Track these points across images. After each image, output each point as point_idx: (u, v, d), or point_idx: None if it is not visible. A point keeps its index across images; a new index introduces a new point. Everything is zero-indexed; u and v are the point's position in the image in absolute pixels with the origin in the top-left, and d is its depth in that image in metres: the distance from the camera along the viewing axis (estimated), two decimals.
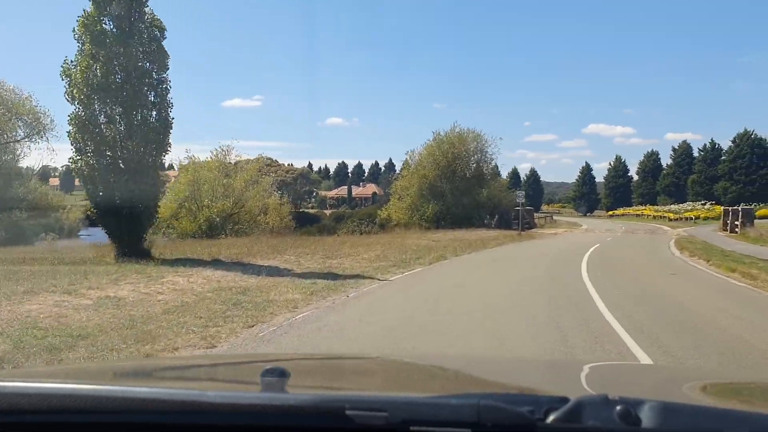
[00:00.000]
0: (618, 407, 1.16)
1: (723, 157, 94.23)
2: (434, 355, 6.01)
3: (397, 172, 56.09)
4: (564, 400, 1.19)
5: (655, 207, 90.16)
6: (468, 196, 49.95)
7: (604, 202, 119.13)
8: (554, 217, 74.34)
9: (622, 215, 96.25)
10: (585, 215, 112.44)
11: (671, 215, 77.60)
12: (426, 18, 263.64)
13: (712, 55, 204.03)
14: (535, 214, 66.86)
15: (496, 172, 52.25)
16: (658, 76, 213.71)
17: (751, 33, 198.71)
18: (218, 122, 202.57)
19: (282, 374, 1.48)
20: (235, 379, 2.10)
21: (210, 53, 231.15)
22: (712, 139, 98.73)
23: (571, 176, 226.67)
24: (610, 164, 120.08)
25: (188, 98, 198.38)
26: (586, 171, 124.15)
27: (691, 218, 70.91)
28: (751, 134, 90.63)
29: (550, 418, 1.16)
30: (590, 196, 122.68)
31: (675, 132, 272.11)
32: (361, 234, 42.36)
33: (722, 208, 54.31)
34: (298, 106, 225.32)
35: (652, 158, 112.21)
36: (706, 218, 71.28)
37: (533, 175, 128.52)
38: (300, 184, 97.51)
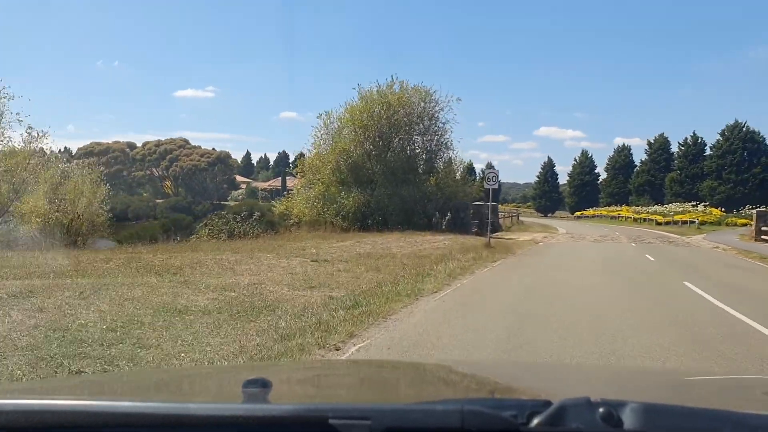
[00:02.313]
0: (600, 409, 1.14)
1: (709, 153, 78.84)
2: (419, 360, 5.53)
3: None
4: (547, 404, 1.16)
5: (635, 208, 74.29)
6: (409, 185, 32.76)
7: (568, 201, 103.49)
8: (520, 218, 57.69)
9: (593, 216, 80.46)
10: (546, 216, 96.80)
11: (659, 218, 61.76)
12: (386, 15, 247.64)
13: (661, 62, 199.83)
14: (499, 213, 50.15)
15: (449, 149, 34.79)
16: (608, 82, 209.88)
17: (702, 42, 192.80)
18: (169, 112, 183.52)
19: (264, 385, 1.42)
20: (217, 390, 1.98)
21: (161, 40, 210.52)
22: (694, 133, 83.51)
23: (522, 177, 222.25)
24: (576, 160, 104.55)
25: (135, 85, 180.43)
26: (548, 167, 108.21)
27: (688, 222, 54.93)
28: (743, 126, 75.62)
29: (534, 422, 1.14)
30: (552, 194, 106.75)
31: (623, 137, 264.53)
32: (230, 238, 24.93)
33: (755, 211, 38.15)
34: (251, 99, 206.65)
35: (623, 153, 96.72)
36: (703, 222, 55.40)
37: (490, 168, 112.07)
38: (219, 171, 79.04)
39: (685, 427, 1.19)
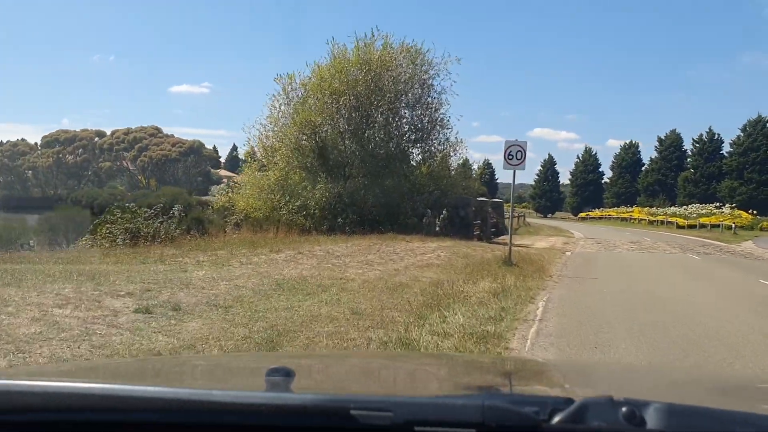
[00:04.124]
0: (623, 408, 1.10)
1: (730, 150, 70.44)
2: (440, 354, 5.02)
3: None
4: (569, 401, 1.13)
5: (650, 209, 65.90)
6: (394, 173, 24.48)
7: (569, 201, 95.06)
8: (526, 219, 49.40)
9: (600, 218, 72.11)
10: (546, 216, 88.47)
11: (680, 221, 53.43)
12: (382, 12, 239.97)
13: (653, 67, 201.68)
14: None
15: (446, 127, 26.07)
16: (601, 84, 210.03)
17: (695, 48, 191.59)
18: (163, 107, 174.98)
19: (287, 374, 1.40)
20: (241, 378, 1.90)
21: (157, 35, 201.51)
22: (710, 128, 74.97)
23: (517, 178, 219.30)
24: (578, 158, 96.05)
25: (131, 80, 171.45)
26: (549, 165, 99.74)
27: (719, 226, 46.67)
28: (767, 121, 67.13)
29: (555, 420, 1.10)
30: (552, 194, 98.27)
31: (616, 139, 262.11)
32: (133, 241, 16.72)
33: None
34: (246, 95, 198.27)
35: (631, 151, 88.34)
36: (736, 226, 47.03)
37: (488, 166, 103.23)
38: (192, 163, 70.44)
39: (708, 428, 1.14)
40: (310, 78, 24.60)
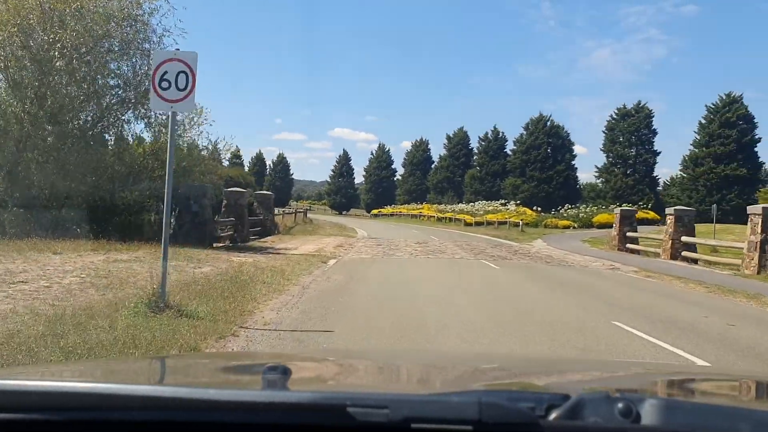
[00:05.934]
0: (619, 404, 1.07)
1: (513, 148, 69.97)
2: (436, 351, 5.31)
3: None
4: (566, 397, 1.10)
5: (439, 206, 62.87)
6: (99, 149, 16.63)
7: (364, 198, 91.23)
8: (309, 215, 43.02)
9: (391, 215, 68.38)
10: (341, 213, 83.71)
11: (467, 218, 50.50)
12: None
13: (444, 76, 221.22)
14: (280, 210, 34.99)
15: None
16: (399, 90, 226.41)
17: (476, 60, 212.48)
18: None
19: (284, 372, 1.38)
20: (237, 376, 1.87)
21: None
22: (495, 127, 74.47)
23: (319, 176, 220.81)
24: (372, 153, 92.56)
25: None
26: (344, 161, 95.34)
27: (506, 223, 43.88)
28: (548, 120, 67.58)
29: (552, 416, 1.07)
30: (347, 190, 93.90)
31: (410, 140, 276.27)
32: None
33: (618, 210, 26.96)
34: None
35: (421, 148, 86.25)
36: (522, 224, 44.53)
37: (282, 161, 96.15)
38: None
39: (705, 424, 1.12)
40: None
